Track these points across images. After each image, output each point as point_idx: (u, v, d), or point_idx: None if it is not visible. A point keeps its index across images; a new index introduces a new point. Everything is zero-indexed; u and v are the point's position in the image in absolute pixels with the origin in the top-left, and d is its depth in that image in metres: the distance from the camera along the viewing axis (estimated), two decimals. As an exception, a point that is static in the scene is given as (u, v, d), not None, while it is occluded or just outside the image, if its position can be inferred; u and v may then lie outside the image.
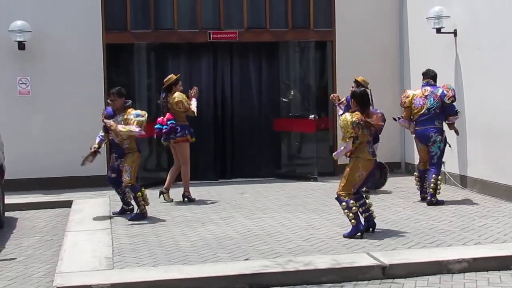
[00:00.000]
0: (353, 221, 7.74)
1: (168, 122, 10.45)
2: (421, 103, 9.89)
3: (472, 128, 10.67)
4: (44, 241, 8.63)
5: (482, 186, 10.46)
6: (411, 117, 10.01)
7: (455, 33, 11.08)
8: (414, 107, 9.93)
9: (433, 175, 9.74)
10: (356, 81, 10.60)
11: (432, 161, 9.89)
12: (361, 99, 7.80)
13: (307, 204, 10.09)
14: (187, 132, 10.51)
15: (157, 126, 10.56)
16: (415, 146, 12.55)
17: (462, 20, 10.95)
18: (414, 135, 10.21)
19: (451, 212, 9.20)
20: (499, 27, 9.95)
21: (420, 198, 10.13)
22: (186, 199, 10.64)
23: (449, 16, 11.04)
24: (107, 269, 6.73)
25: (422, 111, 9.86)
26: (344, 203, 7.73)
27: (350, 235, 7.76)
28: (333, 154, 8.32)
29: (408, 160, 13.07)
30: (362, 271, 6.55)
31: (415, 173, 10.31)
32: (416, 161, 12.44)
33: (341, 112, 10.25)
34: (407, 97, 10.02)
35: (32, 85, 12.07)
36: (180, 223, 8.96)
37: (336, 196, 7.89)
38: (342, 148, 7.87)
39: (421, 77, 10.25)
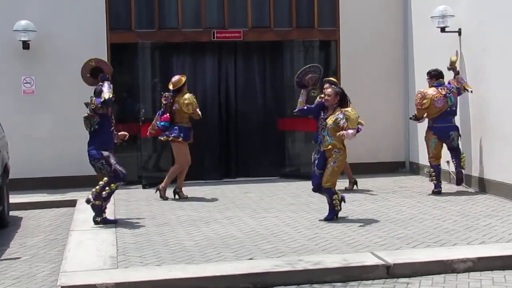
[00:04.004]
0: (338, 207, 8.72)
1: (161, 123, 10.71)
2: (442, 102, 10.33)
3: (477, 128, 10.65)
4: (48, 240, 8.65)
5: (487, 185, 10.44)
6: (424, 116, 10.53)
7: (459, 32, 11.06)
8: (435, 106, 10.32)
9: (460, 154, 10.51)
10: (330, 81, 10.54)
11: (454, 147, 10.53)
12: (343, 97, 8.66)
13: (311, 203, 10.08)
14: (182, 134, 10.61)
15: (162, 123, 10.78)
16: (419, 145, 12.59)
17: (466, 19, 10.93)
18: (428, 132, 10.59)
19: (455, 211, 9.18)
20: (504, 27, 9.92)
21: (434, 192, 10.48)
22: (157, 192, 10.74)
23: (453, 15, 11.02)
24: (111, 269, 6.73)
25: (444, 110, 10.34)
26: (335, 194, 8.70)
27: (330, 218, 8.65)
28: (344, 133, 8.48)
29: (413, 159, 13.06)
30: (366, 271, 6.54)
31: (430, 169, 10.60)
32: (422, 160, 12.46)
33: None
34: (427, 98, 10.32)
35: (36, 84, 12.10)
36: (184, 222, 8.96)
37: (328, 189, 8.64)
38: (350, 131, 8.40)
39: (426, 76, 10.63)
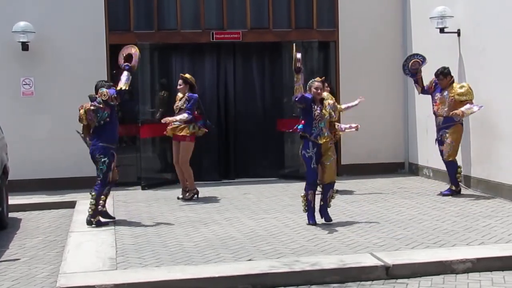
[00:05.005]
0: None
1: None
2: None
3: (476, 128, 10.65)
4: (47, 242, 8.64)
5: (486, 186, 10.44)
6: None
7: (458, 33, 11.07)
8: None
9: None
10: (183, 77, 10.81)
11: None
12: None
13: (311, 204, 10.08)
14: None
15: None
16: (419, 146, 12.59)
17: (465, 20, 10.94)
18: (462, 127, 10.40)
19: (454, 212, 9.18)
20: (503, 27, 9.93)
21: (458, 191, 10.40)
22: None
23: (452, 16, 11.03)
24: (110, 270, 6.73)
25: None
26: None
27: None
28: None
29: (412, 160, 13.05)
30: (365, 271, 6.55)
31: (460, 169, 10.47)
32: (421, 161, 12.47)
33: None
34: None
35: (35, 86, 12.09)
36: (183, 223, 8.96)
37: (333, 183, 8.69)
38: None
39: (439, 76, 10.39)
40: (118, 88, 8.84)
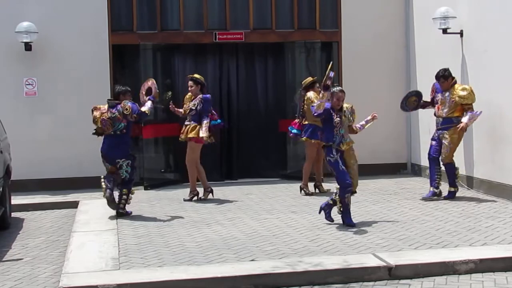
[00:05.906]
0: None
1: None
2: None
3: (479, 129, 10.63)
4: (50, 242, 8.65)
5: (489, 187, 10.44)
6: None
7: (461, 33, 11.06)
8: None
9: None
10: (193, 79, 10.77)
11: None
12: None
13: (313, 204, 10.07)
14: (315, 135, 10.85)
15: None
16: (421, 147, 12.59)
17: (468, 21, 10.93)
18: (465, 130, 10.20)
19: (457, 213, 9.18)
20: (505, 28, 9.92)
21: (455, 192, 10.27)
22: (317, 189, 11.28)
23: (455, 17, 11.02)
24: (113, 270, 6.74)
25: None
26: None
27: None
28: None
29: (414, 161, 13.05)
30: (368, 272, 6.55)
31: (458, 170, 10.31)
32: (423, 161, 12.45)
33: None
34: None
35: (38, 86, 12.10)
36: (186, 223, 8.97)
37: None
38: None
39: (441, 79, 10.16)
40: (142, 110, 9.24)
